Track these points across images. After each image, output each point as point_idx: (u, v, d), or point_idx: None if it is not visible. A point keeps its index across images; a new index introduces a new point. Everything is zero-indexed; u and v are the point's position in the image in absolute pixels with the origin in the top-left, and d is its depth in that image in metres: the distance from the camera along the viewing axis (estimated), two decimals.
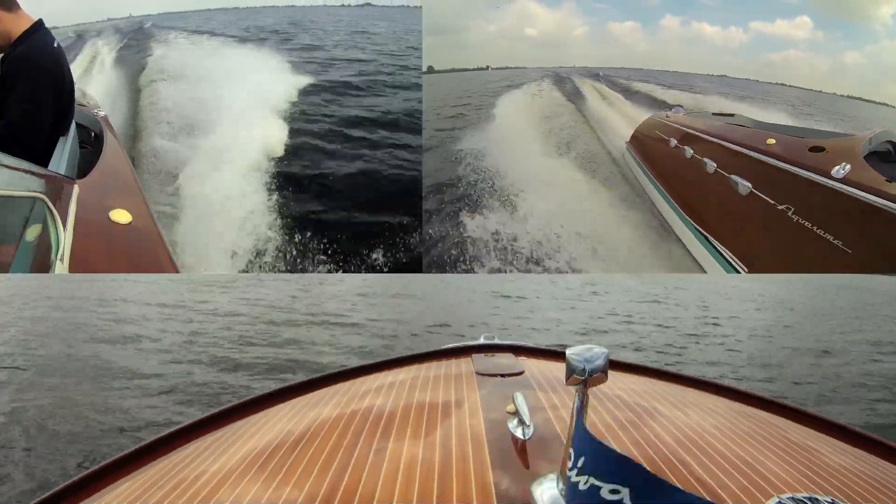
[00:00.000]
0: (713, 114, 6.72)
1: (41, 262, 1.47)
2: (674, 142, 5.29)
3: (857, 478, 0.92)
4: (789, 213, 3.37)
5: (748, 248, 3.93)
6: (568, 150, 7.18)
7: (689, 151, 4.83)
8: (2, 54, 1.94)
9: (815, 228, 3.21)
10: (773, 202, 3.52)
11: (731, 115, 6.61)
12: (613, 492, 0.57)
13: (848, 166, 3.10)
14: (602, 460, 0.59)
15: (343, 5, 14.21)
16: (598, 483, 0.58)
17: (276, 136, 6.05)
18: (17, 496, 2.87)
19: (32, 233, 1.51)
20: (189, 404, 4.15)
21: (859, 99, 10.01)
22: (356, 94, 7.38)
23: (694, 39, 11.12)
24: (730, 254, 4.05)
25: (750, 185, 3.77)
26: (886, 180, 2.94)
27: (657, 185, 5.44)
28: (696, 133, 4.96)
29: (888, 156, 3.79)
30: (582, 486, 0.60)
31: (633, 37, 11.35)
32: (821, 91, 10.26)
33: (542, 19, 11.01)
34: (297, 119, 6.48)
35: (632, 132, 6.92)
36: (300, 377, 1.61)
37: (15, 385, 4.53)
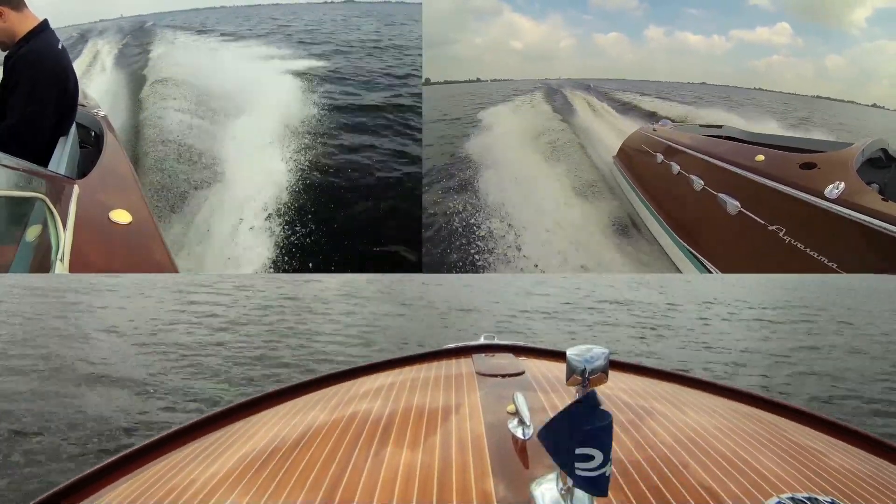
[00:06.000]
0: (700, 126, 6.65)
1: (41, 262, 1.47)
2: (660, 157, 5.21)
3: (857, 478, 0.93)
4: (780, 234, 3.28)
5: (738, 268, 3.85)
6: (557, 162, 7.22)
7: (675, 167, 4.75)
8: (6, 52, 1.94)
9: (807, 250, 3.13)
10: (763, 222, 3.43)
11: (720, 126, 6.56)
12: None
13: (842, 185, 3.00)
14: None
15: (325, 2, 14.21)
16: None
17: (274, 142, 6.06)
18: (13, 495, 2.87)
19: (32, 233, 1.51)
20: (188, 406, 4.15)
21: (840, 101, 10.17)
22: (353, 105, 7.36)
23: (678, 49, 11.28)
24: (718, 272, 4.00)
25: (738, 203, 3.68)
26: (882, 199, 2.85)
27: (644, 201, 5.38)
28: (683, 148, 4.88)
29: (880, 162, 3.75)
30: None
31: (618, 48, 11.50)
32: (795, 93, 10.41)
33: (527, 32, 11.15)
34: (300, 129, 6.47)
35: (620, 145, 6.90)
36: (300, 378, 1.60)
37: (12, 385, 4.52)
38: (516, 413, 1.00)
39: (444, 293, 10.13)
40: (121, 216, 1.66)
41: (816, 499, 0.80)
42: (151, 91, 7.27)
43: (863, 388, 5.11)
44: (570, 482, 0.65)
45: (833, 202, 3.00)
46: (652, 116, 8.88)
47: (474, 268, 5.30)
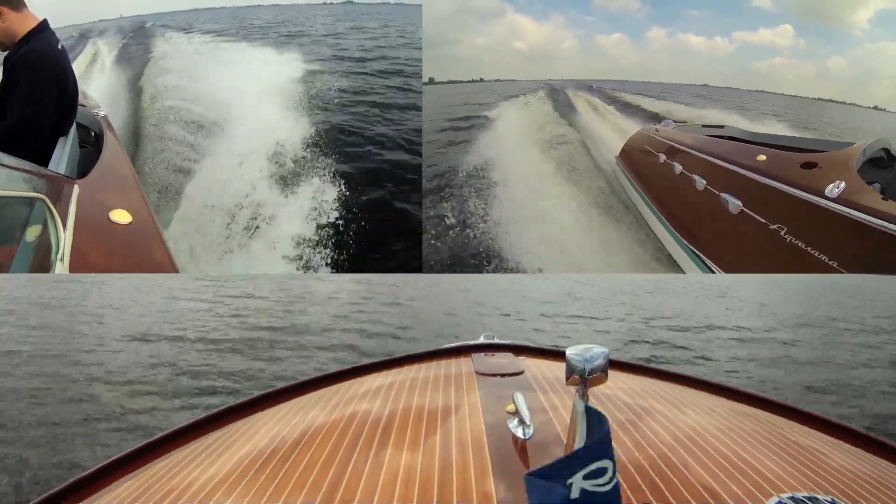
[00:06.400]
0: (703, 126, 6.67)
1: (41, 262, 1.47)
2: (663, 157, 5.24)
3: (857, 478, 0.92)
4: (782, 233, 3.30)
5: (740, 268, 3.87)
6: (559, 162, 7.21)
7: (678, 167, 4.77)
8: (6, 53, 1.94)
9: (809, 249, 3.14)
10: (764, 221, 3.44)
11: (721, 126, 6.59)
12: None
13: (842, 184, 3.01)
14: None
15: (325, 3, 14.21)
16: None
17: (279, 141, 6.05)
18: (12, 495, 2.87)
19: (32, 233, 1.51)
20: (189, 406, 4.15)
21: (841, 103, 10.20)
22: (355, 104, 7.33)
23: (681, 50, 11.27)
24: (721, 271, 4.00)
25: (740, 203, 3.70)
26: (882, 198, 2.86)
27: (647, 201, 5.39)
28: (685, 148, 4.90)
29: (882, 162, 3.76)
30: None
31: (620, 49, 11.48)
32: (796, 96, 10.43)
33: (530, 32, 11.14)
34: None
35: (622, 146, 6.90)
36: (298, 378, 1.60)
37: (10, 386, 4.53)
38: (516, 413, 1.00)
39: (440, 311, 8.43)
40: (121, 216, 1.66)
41: (816, 498, 0.80)
42: (151, 91, 7.28)
43: None
44: None
45: (833, 201, 3.01)
46: (654, 117, 8.90)
47: (475, 268, 5.30)
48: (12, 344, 5.87)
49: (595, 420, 0.61)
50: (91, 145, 2.73)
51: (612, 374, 0.69)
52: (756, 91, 10.75)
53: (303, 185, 5.54)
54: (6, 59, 1.93)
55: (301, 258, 4.89)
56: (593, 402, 0.65)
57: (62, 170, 1.95)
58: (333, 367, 1.71)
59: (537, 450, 0.91)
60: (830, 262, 3.04)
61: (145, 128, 6.33)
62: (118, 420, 3.88)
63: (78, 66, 8.31)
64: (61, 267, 1.40)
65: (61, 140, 2.07)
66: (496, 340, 1.72)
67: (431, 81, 8.58)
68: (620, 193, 6.37)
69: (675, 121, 7.21)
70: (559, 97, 10.90)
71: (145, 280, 10.18)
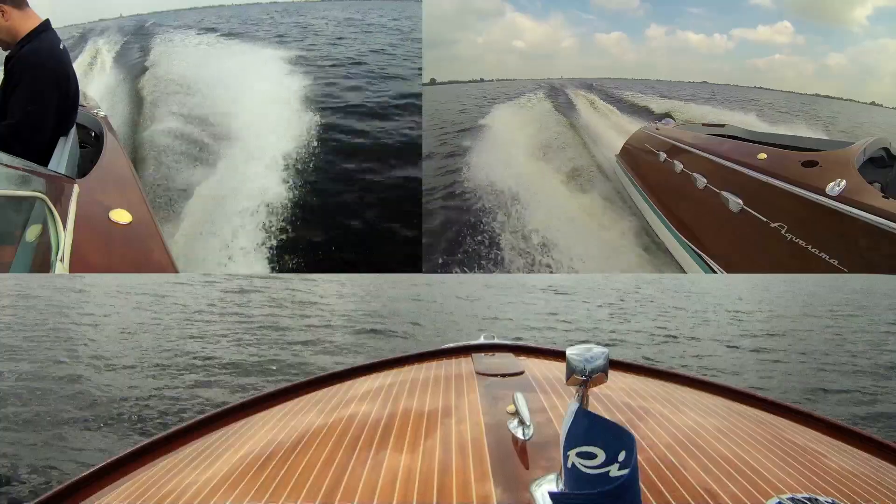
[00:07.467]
0: (703, 125, 6.66)
1: (41, 262, 1.47)
2: (663, 155, 5.23)
3: (857, 478, 0.92)
4: (783, 231, 3.29)
5: (741, 267, 3.86)
6: (560, 161, 7.20)
7: (678, 165, 4.77)
8: (7, 53, 1.94)
9: (810, 247, 3.14)
10: (765, 219, 3.44)
11: (722, 125, 6.58)
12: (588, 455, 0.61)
13: (843, 182, 3.01)
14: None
15: None
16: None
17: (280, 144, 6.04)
18: (11, 495, 2.87)
19: (32, 233, 1.51)
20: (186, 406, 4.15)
21: (840, 99, 10.19)
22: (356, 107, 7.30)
23: (680, 48, 11.26)
24: (722, 271, 4.00)
25: (741, 201, 3.70)
26: (883, 196, 2.85)
27: (647, 200, 5.39)
28: (686, 147, 4.89)
29: (882, 161, 3.76)
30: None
31: (620, 47, 11.48)
32: (792, 92, 10.41)
33: (529, 31, 11.14)
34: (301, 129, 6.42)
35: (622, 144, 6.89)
36: (298, 378, 1.60)
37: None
38: (516, 413, 0.99)
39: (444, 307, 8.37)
40: (121, 216, 1.66)
41: (816, 499, 0.80)
42: (151, 90, 7.28)
43: None
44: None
45: (835, 199, 3.01)
46: (654, 115, 8.91)
47: (476, 268, 5.30)
48: (12, 344, 5.87)
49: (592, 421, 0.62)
50: (91, 145, 2.73)
51: (612, 374, 0.69)
52: (755, 88, 10.75)
53: (301, 184, 5.53)
54: (7, 59, 1.93)
55: (296, 258, 4.89)
56: (593, 402, 0.65)
57: (62, 170, 1.95)
58: (332, 368, 1.70)
59: (537, 450, 0.91)
60: (831, 261, 3.04)
61: (145, 128, 6.33)
62: (117, 421, 3.88)
63: (78, 66, 8.30)
64: (61, 267, 1.40)
65: (61, 140, 2.08)
66: (496, 340, 1.72)
67: (433, 82, 8.56)
68: (621, 192, 6.36)
69: (674, 119, 7.20)
70: (559, 96, 10.89)
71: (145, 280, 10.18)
